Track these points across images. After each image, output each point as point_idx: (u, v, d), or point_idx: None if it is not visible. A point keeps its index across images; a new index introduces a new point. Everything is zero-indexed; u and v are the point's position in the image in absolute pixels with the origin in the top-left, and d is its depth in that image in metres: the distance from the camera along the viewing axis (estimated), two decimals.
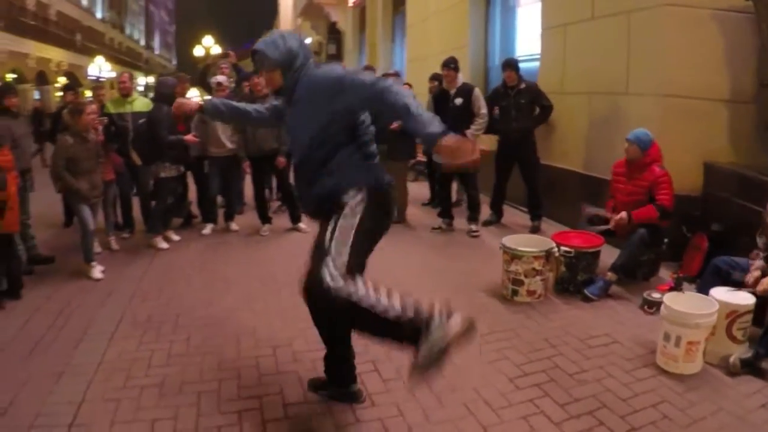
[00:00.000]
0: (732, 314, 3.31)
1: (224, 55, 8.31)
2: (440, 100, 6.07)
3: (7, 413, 2.88)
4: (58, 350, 3.59)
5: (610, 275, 4.33)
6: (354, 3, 16.76)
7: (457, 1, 8.90)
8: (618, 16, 5.31)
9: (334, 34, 20.33)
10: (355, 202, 2.57)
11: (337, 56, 19.69)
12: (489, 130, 6.22)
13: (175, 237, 6.13)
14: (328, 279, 2.38)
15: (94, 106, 5.28)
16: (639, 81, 5.15)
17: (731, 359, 3.24)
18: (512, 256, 4.31)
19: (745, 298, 3.36)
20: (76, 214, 5.01)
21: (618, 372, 3.28)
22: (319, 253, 2.48)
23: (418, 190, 8.26)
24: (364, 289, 2.37)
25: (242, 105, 3.19)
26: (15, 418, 2.84)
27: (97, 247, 5.50)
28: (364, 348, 3.53)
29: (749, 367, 3.21)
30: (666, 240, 4.53)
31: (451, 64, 6.02)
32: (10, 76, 24.12)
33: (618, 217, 4.44)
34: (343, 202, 2.56)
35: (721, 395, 3.03)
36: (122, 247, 5.87)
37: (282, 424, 2.82)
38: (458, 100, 5.93)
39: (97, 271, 4.97)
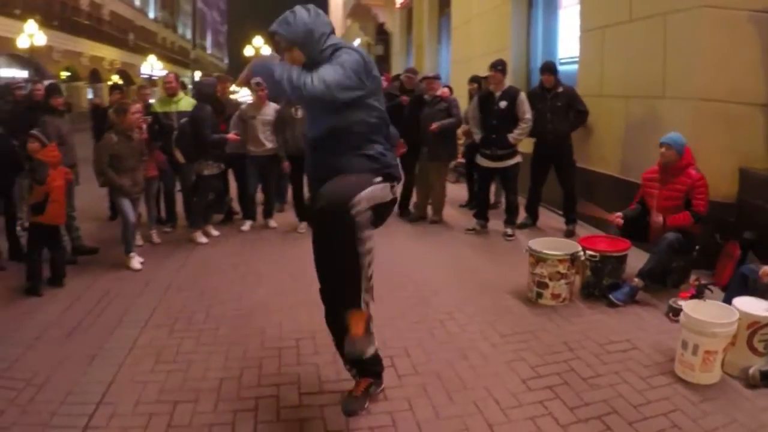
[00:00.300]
0: (753, 325, 3.21)
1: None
2: (485, 102, 6.06)
3: (42, 389, 3.11)
4: (94, 335, 3.84)
5: (637, 281, 4.27)
6: (401, 4, 16.81)
7: (499, 2, 8.86)
8: (654, 18, 5.20)
9: (381, 35, 20.44)
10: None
11: (385, 58, 19.80)
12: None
13: (215, 232, 6.36)
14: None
15: (138, 106, 5.55)
16: (675, 84, 5.04)
17: (750, 371, 3.15)
18: (537, 258, 4.31)
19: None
20: (117, 208, 5.26)
21: (633, 378, 3.24)
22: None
23: (458, 191, 8.28)
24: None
25: None
26: (49, 393, 3.07)
27: (139, 240, 5.81)
28: (383, 343, 3.64)
29: None
30: (697, 247, 4.43)
31: (498, 66, 5.96)
32: (64, 74, 25.35)
33: (654, 221, 4.37)
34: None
35: (737, 407, 2.96)
36: (164, 241, 6.14)
37: (295, 412, 2.95)
38: (502, 103, 5.89)
39: (136, 262, 5.24)
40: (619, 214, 4.46)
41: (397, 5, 17.07)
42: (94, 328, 3.95)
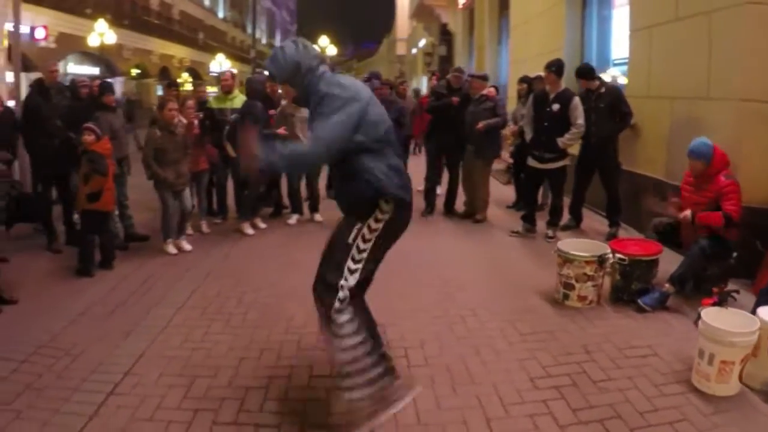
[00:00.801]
0: None
1: None
2: (539, 103, 6.00)
3: (78, 359, 3.42)
4: (133, 313, 4.14)
5: (668, 287, 4.15)
6: (463, 5, 16.74)
7: (554, 3, 8.72)
8: (699, 16, 5.00)
9: (445, 35, 20.40)
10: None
11: (448, 58, 19.74)
12: None
13: (262, 225, 6.61)
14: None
15: (190, 102, 5.86)
16: (718, 85, 4.83)
17: None
18: (564, 259, 4.27)
19: None
20: (159, 198, 5.59)
21: (645, 384, 3.16)
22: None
23: (508, 192, 8.20)
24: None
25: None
26: (83, 363, 3.37)
27: (189, 230, 6.13)
28: (400, 335, 3.74)
29: None
30: (735, 254, 4.25)
31: (552, 67, 5.83)
32: (134, 71, 26.58)
33: (683, 215, 4.22)
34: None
35: (750, 421, 2.85)
36: (213, 231, 6.45)
37: (302, 391, 3.11)
38: (555, 106, 5.78)
39: (172, 248, 5.58)
40: (687, 212, 4.20)
41: (460, 6, 16.98)
42: (134, 307, 4.25)
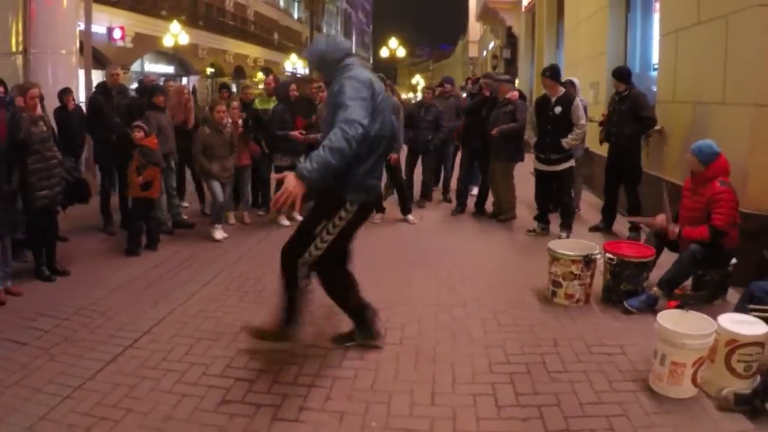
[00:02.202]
0: (732, 343, 3.09)
1: None
2: (541, 107, 6.19)
3: (109, 320, 4.10)
4: (165, 288, 4.79)
5: (655, 290, 4.25)
6: (526, 7, 16.64)
7: (599, 7, 8.67)
8: (717, 20, 4.97)
9: (511, 38, 20.29)
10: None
11: (512, 61, 19.63)
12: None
13: (299, 217, 7.11)
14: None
15: (236, 103, 6.48)
16: (734, 89, 4.79)
17: (724, 392, 3.02)
18: (553, 257, 4.46)
19: (754, 328, 3.16)
20: (208, 189, 6.28)
21: (599, 379, 3.29)
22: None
23: None
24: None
25: None
26: (113, 323, 4.05)
27: (231, 219, 6.78)
28: (387, 317, 4.07)
29: (746, 406, 2.96)
30: (734, 260, 4.28)
31: (546, 73, 6.11)
32: (209, 70, 27.81)
33: (670, 231, 4.32)
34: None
35: (695, 426, 2.89)
36: (254, 222, 7.06)
37: (286, 356, 3.54)
38: (557, 109, 5.98)
39: (219, 233, 6.20)
40: (675, 228, 4.33)
41: (523, 8, 16.88)
42: (167, 283, 4.92)
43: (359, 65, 3.30)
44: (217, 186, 6.17)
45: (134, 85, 7.38)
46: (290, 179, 2.86)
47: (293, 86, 6.92)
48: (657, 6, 7.33)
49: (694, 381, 3.14)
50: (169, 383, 3.23)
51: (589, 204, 7.92)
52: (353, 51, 3.43)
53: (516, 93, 7.00)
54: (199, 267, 5.34)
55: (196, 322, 4.08)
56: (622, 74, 6.12)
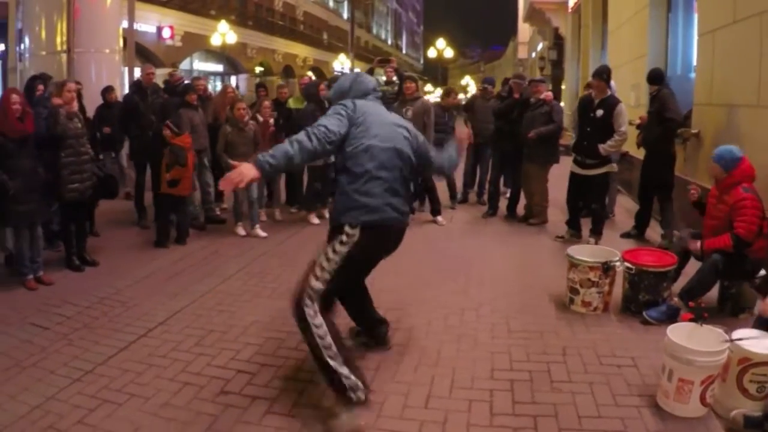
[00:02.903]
0: (744, 361, 2.94)
1: (385, 61, 9.18)
2: (584, 108, 6.03)
3: (129, 310, 4.30)
4: (186, 280, 4.97)
5: (676, 300, 4.10)
6: (572, 8, 16.27)
7: (639, 8, 8.40)
8: (752, 18, 4.74)
9: (558, 40, 19.91)
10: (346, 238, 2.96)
11: (558, 63, 19.27)
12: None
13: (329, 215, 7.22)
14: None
15: (267, 102, 6.62)
16: None
17: (733, 413, 2.89)
18: (571, 263, 4.38)
19: None
20: None
21: (604, 392, 3.19)
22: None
23: None
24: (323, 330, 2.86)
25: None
26: (132, 313, 4.24)
27: (263, 216, 6.93)
28: (397, 318, 4.10)
29: (755, 429, 2.82)
30: (762, 272, 4.07)
31: (603, 75, 5.88)
32: (257, 69, 28.27)
33: (692, 246, 4.18)
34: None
35: None
36: (285, 219, 7.19)
37: (290, 351, 3.63)
38: (599, 112, 5.79)
39: (241, 230, 6.39)
40: (697, 244, 4.17)
41: (569, 9, 16.51)
42: (189, 276, 5.09)
43: (372, 104, 3.22)
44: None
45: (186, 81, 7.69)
46: (245, 164, 2.87)
47: (322, 86, 7.01)
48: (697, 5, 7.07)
49: (702, 400, 2.99)
50: (173, 372, 3.36)
51: (626, 210, 7.69)
52: (375, 89, 3.33)
53: (550, 93, 6.88)
54: (222, 262, 5.49)
55: (210, 315, 4.22)
56: (652, 76, 5.93)
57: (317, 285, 2.90)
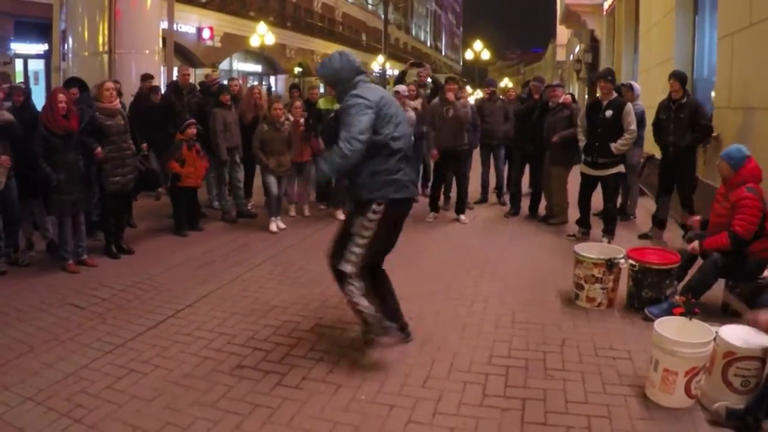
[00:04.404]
0: (729, 355, 3.04)
1: (419, 64, 9.36)
2: (592, 110, 6.17)
3: (160, 293, 4.69)
4: (215, 269, 5.33)
5: (677, 298, 4.20)
6: (607, 10, 16.15)
7: (667, 11, 8.40)
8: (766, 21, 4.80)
9: (594, 42, 19.74)
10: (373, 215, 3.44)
11: (594, 66, 19.08)
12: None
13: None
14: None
15: (298, 103, 6.94)
16: None
17: (715, 405, 2.97)
18: (576, 260, 4.53)
19: (755, 341, 3.05)
20: (263, 182, 6.75)
21: (594, 381, 3.32)
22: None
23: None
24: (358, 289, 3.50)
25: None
26: (163, 296, 4.62)
27: (292, 211, 7.24)
28: (408, 308, 4.23)
29: (737, 422, 2.90)
30: (767, 272, 4.14)
31: (608, 77, 6.08)
32: (296, 70, 28.64)
33: (690, 247, 4.29)
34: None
35: None
36: (314, 215, 7.51)
37: (305, 333, 3.90)
38: (608, 113, 5.94)
39: (274, 226, 6.68)
40: (695, 244, 4.29)
41: (604, 12, 16.39)
42: (219, 265, 5.45)
43: (367, 83, 3.54)
44: (272, 181, 6.64)
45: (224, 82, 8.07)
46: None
47: None
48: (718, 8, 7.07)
49: (687, 391, 3.10)
50: (196, 348, 3.70)
51: (648, 211, 7.72)
52: (362, 69, 3.64)
53: (569, 97, 7.00)
54: (251, 253, 5.84)
55: (234, 299, 4.55)
56: (681, 76, 5.95)
57: (354, 257, 3.45)
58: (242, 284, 4.90)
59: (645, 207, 7.87)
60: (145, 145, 6.52)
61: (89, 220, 5.56)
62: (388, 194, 3.43)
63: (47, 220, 5.59)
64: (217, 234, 6.54)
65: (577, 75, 22.62)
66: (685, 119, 5.85)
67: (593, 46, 19.82)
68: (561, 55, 34.68)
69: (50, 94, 5.04)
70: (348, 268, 3.47)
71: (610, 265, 4.40)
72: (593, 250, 4.62)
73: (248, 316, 4.22)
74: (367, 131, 3.30)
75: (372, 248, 3.50)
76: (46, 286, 4.81)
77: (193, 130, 6.20)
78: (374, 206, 3.42)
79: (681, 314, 3.64)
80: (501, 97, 8.70)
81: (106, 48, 8.53)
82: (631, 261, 4.40)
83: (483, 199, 8.43)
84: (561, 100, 6.77)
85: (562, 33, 30.43)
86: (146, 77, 7.57)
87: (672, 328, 3.27)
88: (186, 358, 3.56)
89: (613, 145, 5.90)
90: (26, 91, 5.70)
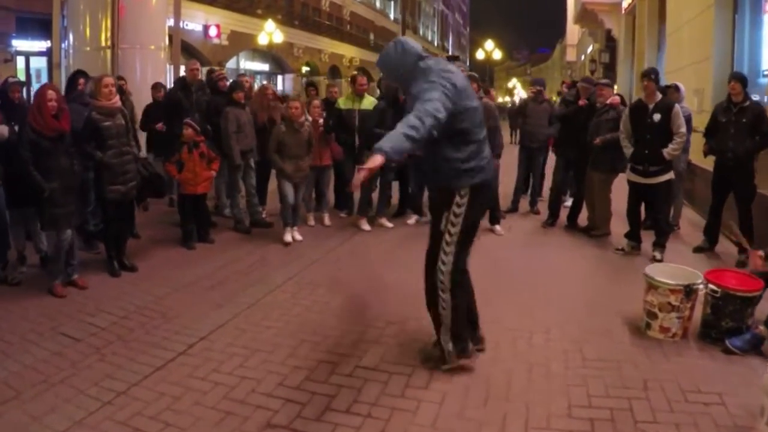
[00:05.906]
0: None
1: (454, 58, 8.86)
2: (637, 114, 5.58)
3: (168, 321, 4.04)
4: (231, 289, 4.69)
5: (761, 329, 3.63)
6: (626, 9, 15.64)
7: (703, 8, 7.83)
8: None
9: (610, 42, 19.28)
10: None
11: (611, 66, 18.62)
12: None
13: (389, 224, 6.78)
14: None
15: (317, 101, 6.34)
16: None
17: None
18: (650, 285, 3.94)
19: None
20: (278, 189, 6.09)
21: None
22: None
23: None
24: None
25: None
26: (171, 325, 3.99)
27: (311, 221, 6.63)
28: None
29: None
30: None
31: (651, 75, 5.50)
32: (304, 69, 28.19)
33: (752, 262, 3.73)
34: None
35: None
36: (334, 224, 6.84)
37: (326, 354, 3.28)
38: (656, 116, 5.41)
39: (289, 236, 6.03)
40: (760, 252, 3.78)
41: (623, 10, 15.85)
42: (234, 285, 4.81)
43: (435, 63, 3.22)
44: (288, 187, 6.01)
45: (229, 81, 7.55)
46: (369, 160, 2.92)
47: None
48: (767, 6, 6.52)
49: None
50: (214, 398, 3.07)
51: (690, 222, 7.15)
52: (423, 53, 3.30)
53: (617, 98, 6.41)
54: (269, 270, 5.21)
55: (256, 330, 3.93)
56: (742, 77, 5.42)
57: (448, 257, 3.30)
58: (263, 311, 4.27)
59: (686, 217, 7.30)
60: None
61: (86, 230, 4.91)
62: (469, 181, 3.24)
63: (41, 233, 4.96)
64: (230, 246, 5.90)
65: (592, 75, 22.17)
66: (747, 124, 5.30)
67: (609, 45, 19.34)
68: (571, 56, 34.13)
69: (38, 92, 4.40)
70: (443, 269, 3.32)
71: (689, 291, 3.81)
72: (665, 273, 4.02)
73: (273, 354, 3.59)
74: (446, 111, 2.99)
75: (464, 241, 3.36)
76: (37, 309, 4.19)
77: (189, 131, 5.56)
78: (460, 193, 3.25)
79: None
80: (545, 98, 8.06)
81: (108, 43, 7.96)
82: (711, 287, 3.81)
83: (513, 208, 7.81)
84: (609, 101, 6.18)
85: (573, 33, 29.98)
86: (157, 86, 6.97)
87: None
88: (202, 412, 2.92)
89: (665, 151, 5.36)
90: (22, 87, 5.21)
